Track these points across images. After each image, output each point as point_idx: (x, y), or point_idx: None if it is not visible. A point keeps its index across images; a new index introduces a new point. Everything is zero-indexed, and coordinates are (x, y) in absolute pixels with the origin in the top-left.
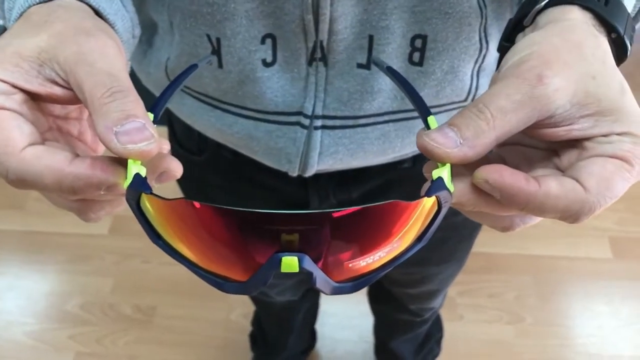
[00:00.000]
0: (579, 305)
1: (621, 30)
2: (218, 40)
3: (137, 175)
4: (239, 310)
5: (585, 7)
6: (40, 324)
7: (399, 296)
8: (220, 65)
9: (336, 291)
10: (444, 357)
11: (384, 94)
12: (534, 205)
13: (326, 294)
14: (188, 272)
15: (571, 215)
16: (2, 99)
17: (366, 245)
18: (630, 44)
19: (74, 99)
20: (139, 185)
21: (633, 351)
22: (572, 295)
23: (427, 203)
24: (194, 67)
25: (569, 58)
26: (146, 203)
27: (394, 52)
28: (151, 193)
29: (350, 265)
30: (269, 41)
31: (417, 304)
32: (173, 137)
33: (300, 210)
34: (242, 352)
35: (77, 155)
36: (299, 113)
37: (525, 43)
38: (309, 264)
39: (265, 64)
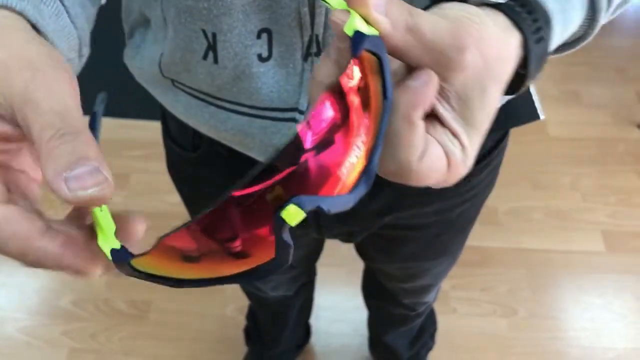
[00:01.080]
0: (571, 298)
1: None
2: (214, 35)
3: (113, 251)
4: (234, 305)
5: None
6: (33, 320)
7: (393, 291)
8: (215, 61)
9: (353, 198)
10: (437, 350)
11: None
12: None
13: (348, 209)
14: None
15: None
16: None
17: (342, 146)
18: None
19: (23, 136)
20: (122, 258)
21: (625, 344)
22: (565, 289)
23: (367, 63)
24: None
25: (488, 53)
26: (139, 265)
27: None
28: (136, 256)
29: (340, 173)
30: (264, 36)
31: (411, 299)
32: (167, 134)
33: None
34: (237, 346)
35: (49, 227)
36: (294, 109)
37: (466, 8)
38: (308, 201)
39: (261, 59)
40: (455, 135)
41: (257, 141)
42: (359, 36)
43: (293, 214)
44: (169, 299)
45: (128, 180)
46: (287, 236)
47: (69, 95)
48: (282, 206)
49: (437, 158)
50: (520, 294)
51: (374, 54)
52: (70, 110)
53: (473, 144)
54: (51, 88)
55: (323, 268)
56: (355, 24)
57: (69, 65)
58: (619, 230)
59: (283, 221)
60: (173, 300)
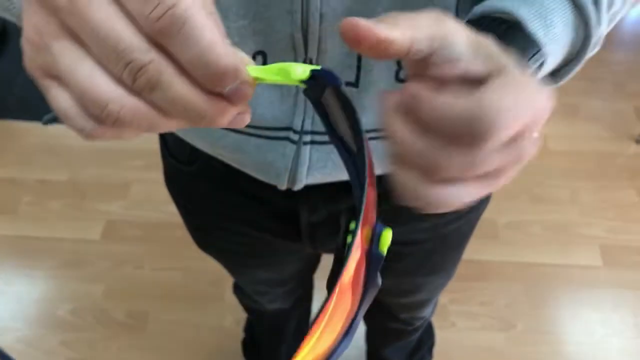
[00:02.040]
0: (569, 312)
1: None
2: None
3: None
4: (232, 316)
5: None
6: (31, 330)
7: (389, 305)
8: None
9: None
10: None
11: (372, 111)
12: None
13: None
14: (181, 277)
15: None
16: None
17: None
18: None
19: None
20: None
21: (623, 359)
22: (563, 303)
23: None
24: None
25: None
26: None
27: (381, 71)
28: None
29: None
30: (259, 58)
31: (408, 313)
32: (164, 147)
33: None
34: (234, 358)
35: None
36: (288, 128)
37: None
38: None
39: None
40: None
41: (251, 158)
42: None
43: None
44: (166, 309)
45: (128, 189)
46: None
47: None
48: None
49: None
50: (519, 308)
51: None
52: None
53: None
54: None
55: (321, 281)
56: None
57: None
58: (617, 245)
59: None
60: (171, 310)
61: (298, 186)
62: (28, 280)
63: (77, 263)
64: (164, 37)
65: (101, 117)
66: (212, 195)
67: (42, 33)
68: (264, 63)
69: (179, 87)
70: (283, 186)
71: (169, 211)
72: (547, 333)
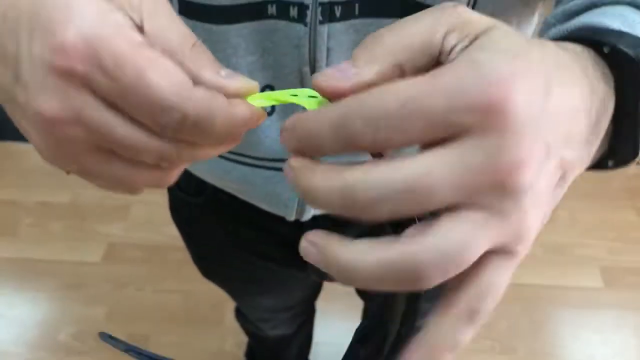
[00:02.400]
0: (570, 334)
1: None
2: None
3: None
4: (233, 340)
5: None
6: (33, 354)
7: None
8: None
9: None
10: None
11: None
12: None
13: None
14: (182, 300)
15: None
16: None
17: None
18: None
19: None
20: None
21: None
22: (563, 325)
23: None
24: None
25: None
26: None
27: None
28: None
29: None
30: (268, 91)
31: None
32: None
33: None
34: None
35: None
36: None
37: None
38: None
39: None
40: None
41: (260, 190)
42: None
43: None
44: (167, 332)
45: (129, 211)
46: None
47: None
48: None
49: None
50: (519, 330)
51: None
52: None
53: None
54: (167, 2)
55: (322, 303)
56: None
57: None
58: (617, 266)
59: None
60: (172, 333)
61: (306, 217)
62: (29, 304)
63: (79, 285)
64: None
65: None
66: (218, 225)
67: (74, 108)
68: None
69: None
70: (291, 217)
71: (170, 233)
72: (548, 355)
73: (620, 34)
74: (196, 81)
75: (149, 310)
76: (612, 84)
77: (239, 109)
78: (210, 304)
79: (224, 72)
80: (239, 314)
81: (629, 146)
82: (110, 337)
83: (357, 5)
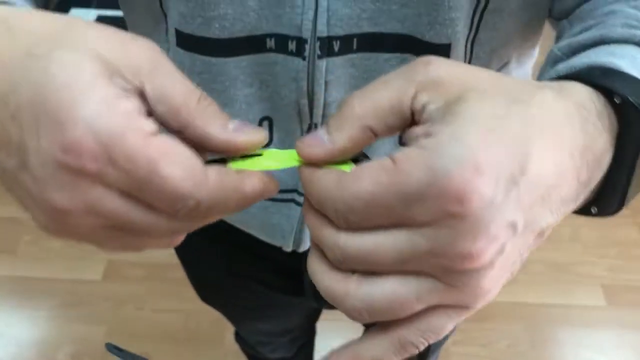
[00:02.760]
0: (571, 353)
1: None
2: None
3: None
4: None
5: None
6: None
7: None
8: None
9: None
10: None
11: None
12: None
13: None
14: (182, 319)
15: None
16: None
17: None
18: None
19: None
20: None
21: None
22: (564, 344)
23: None
24: None
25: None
26: None
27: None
28: None
29: None
30: (265, 123)
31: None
32: None
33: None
34: None
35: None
36: (294, 190)
37: None
38: None
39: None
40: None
41: (257, 221)
42: None
43: None
44: (167, 351)
45: None
46: None
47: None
48: None
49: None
50: (520, 349)
51: None
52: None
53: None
54: (167, 58)
55: (322, 322)
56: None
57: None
58: (619, 285)
59: None
60: (172, 353)
61: (303, 247)
62: (27, 322)
63: (78, 303)
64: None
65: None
66: (215, 252)
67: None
68: (270, 128)
69: None
70: (288, 248)
71: (170, 251)
72: None
73: (632, 80)
74: (204, 139)
75: (148, 329)
76: (615, 132)
77: (251, 186)
78: (210, 323)
79: (231, 125)
80: (238, 337)
81: (616, 197)
82: (116, 348)
83: (355, 40)
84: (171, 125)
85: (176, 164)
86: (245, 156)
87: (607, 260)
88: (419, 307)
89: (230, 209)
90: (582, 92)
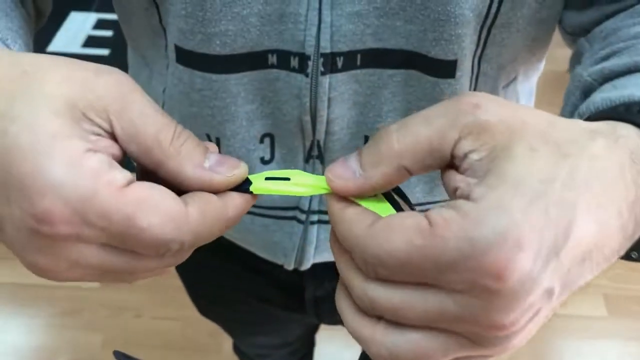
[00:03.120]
0: None
1: None
2: (217, 139)
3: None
4: None
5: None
6: None
7: None
8: None
9: None
10: None
11: None
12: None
13: None
14: (180, 327)
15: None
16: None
17: None
18: None
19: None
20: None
21: None
22: (566, 354)
23: None
24: None
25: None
26: None
27: None
28: None
29: None
30: (267, 140)
31: None
32: None
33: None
34: None
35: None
36: (296, 208)
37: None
38: None
39: (264, 161)
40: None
41: (258, 238)
42: None
43: None
44: (165, 358)
45: None
46: None
47: (150, 99)
48: None
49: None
50: None
51: None
52: (164, 111)
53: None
54: (138, 91)
55: (322, 332)
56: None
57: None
58: (621, 295)
59: None
60: (169, 359)
61: (305, 266)
62: (25, 329)
63: (76, 311)
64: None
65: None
66: (215, 267)
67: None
68: (272, 145)
69: None
70: (290, 266)
71: None
72: None
73: None
74: (178, 179)
75: (146, 337)
76: None
77: (234, 208)
78: (208, 332)
79: (208, 162)
80: (237, 349)
81: None
82: (125, 355)
83: (359, 55)
84: (145, 164)
85: (153, 213)
86: (271, 177)
87: (608, 270)
88: None
89: (216, 235)
90: (633, 137)
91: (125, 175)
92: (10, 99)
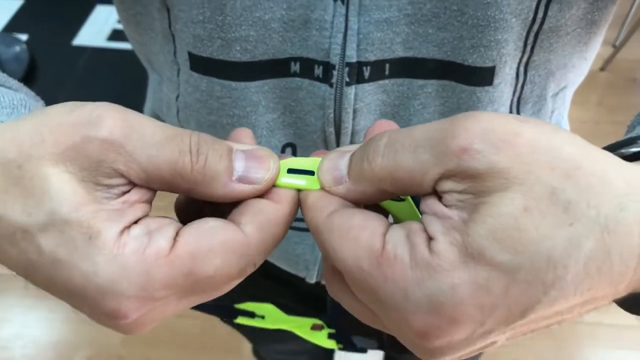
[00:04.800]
0: None
1: None
2: None
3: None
4: None
5: None
6: None
7: None
8: None
9: None
10: None
11: None
12: None
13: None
14: (200, 325)
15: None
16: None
17: None
18: None
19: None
20: None
21: None
22: None
23: None
24: None
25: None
26: None
27: None
28: None
29: None
30: (289, 150)
31: None
32: None
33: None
34: None
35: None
36: None
37: None
38: None
39: None
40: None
41: (281, 250)
42: None
43: None
44: (184, 358)
45: None
46: None
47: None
48: None
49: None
50: None
51: None
52: (171, 130)
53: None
54: (133, 127)
55: None
56: None
57: None
58: None
59: None
60: (188, 358)
61: None
62: (45, 324)
63: None
64: None
65: None
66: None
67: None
68: (294, 155)
69: None
70: (312, 279)
71: None
72: None
73: None
74: (214, 199)
75: (166, 335)
76: None
77: (288, 203)
78: (229, 332)
79: (236, 170)
80: (256, 354)
81: None
82: None
83: (387, 65)
84: (176, 192)
85: (212, 257)
86: (294, 170)
87: None
88: None
89: (283, 234)
90: None
91: (167, 236)
92: (24, 205)
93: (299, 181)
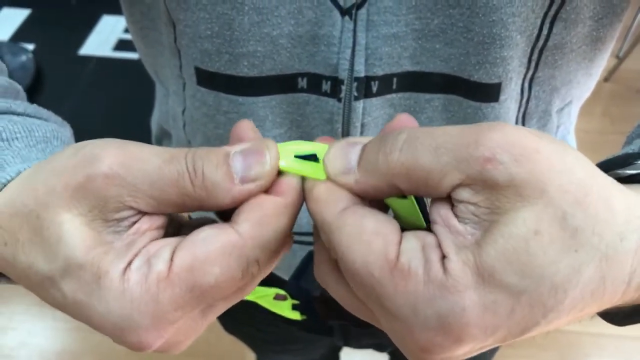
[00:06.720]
0: None
1: None
2: None
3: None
4: None
5: None
6: None
7: None
8: None
9: None
10: None
11: None
12: None
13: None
14: (204, 333)
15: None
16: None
17: None
18: None
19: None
20: None
21: None
22: None
23: None
24: None
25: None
26: None
27: None
28: None
29: None
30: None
31: None
32: None
33: None
34: None
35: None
36: None
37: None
38: None
39: None
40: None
41: (285, 263)
42: None
43: None
44: None
45: None
46: None
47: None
48: None
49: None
50: None
51: None
52: (167, 152)
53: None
54: (130, 157)
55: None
56: None
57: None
58: None
59: None
60: None
61: None
62: (50, 332)
63: None
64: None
65: None
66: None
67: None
68: None
69: None
70: (317, 292)
71: None
72: None
73: None
74: (223, 208)
75: None
76: None
77: (289, 192)
78: (233, 340)
79: (236, 173)
80: None
81: None
82: None
83: (395, 79)
84: (190, 211)
85: (209, 266)
86: (300, 155)
87: None
88: None
89: (291, 223)
90: None
91: (164, 258)
92: (46, 254)
93: (304, 167)
